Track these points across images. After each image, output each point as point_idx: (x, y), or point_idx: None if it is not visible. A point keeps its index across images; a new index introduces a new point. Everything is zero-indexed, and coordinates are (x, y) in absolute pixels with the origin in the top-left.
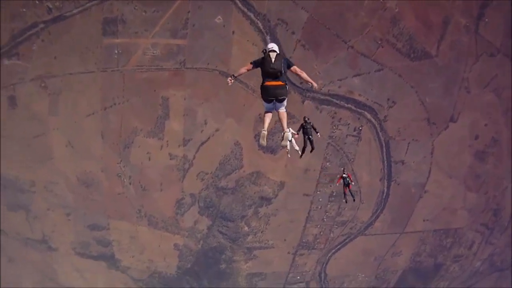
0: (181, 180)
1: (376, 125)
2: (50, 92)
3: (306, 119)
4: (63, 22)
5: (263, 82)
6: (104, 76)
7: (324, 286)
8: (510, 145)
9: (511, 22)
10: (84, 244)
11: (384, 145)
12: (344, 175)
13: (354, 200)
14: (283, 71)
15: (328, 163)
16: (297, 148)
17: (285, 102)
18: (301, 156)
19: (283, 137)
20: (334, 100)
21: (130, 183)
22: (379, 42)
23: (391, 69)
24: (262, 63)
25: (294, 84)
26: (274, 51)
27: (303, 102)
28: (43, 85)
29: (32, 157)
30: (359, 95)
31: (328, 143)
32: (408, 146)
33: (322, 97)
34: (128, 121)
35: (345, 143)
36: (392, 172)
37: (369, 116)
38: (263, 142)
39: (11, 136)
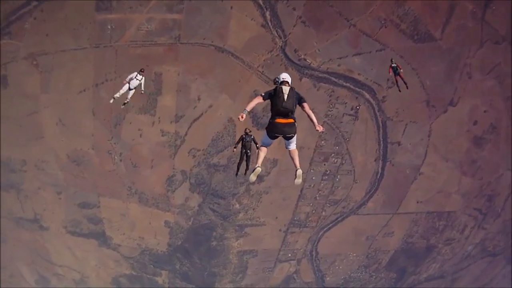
0: (172, 157)
1: (374, 105)
2: (41, 70)
3: (248, 131)
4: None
5: (272, 118)
6: (97, 52)
7: (315, 264)
8: (510, 133)
9: None
10: (75, 222)
11: (381, 125)
12: (393, 64)
13: (407, 87)
14: (294, 109)
15: (323, 142)
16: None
17: (294, 139)
18: (236, 174)
19: (296, 175)
20: (333, 78)
21: (120, 160)
22: (383, 22)
23: (393, 50)
24: (274, 96)
25: (292, 61)
26: (287, 83)
27: (300, 79)
28: (34, 63)
29: (23, 136)
30: (359, 74)
31: (324, 121)
32: (405, 127)
33: (320, 74)
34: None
35: (341, 122)
36: (387, 153)
37: (367, 95)
38: (254, 178)
39: (3, 116)
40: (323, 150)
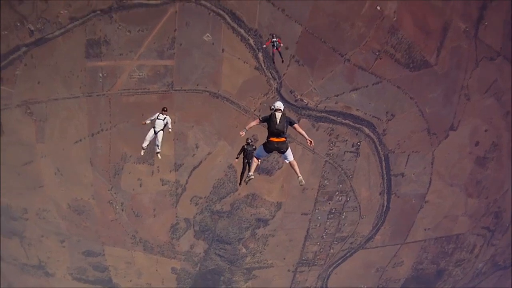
0: (174, 205)
1: (375, 139)
2: (36, 118)
3: (249, 141)
4: (45, 44)
5: (268, 138)
6: (90, 101)
7: None
8: (510, 148)
9: (511, 23)
10: (81, 269)
11: (383, 159)
12: (273, 39)
13: (282, 61)
14: (285, 130)
15: (326, 181)
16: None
17: (290, 153)
18: (240, 183)
19: (299, 181)
20: (331, 117)
21: (122, 210)
22: (377, 54)
23: (390, 81)
24: (269, 120)
25: (288, 102)
26: (280, 110)
27: (298, 120)
28: (28, 111)
29: (22, 185)
30: (357, 110)
31: (326, 161)
32: (408, 158)
33: (318, 114)
34: (116, 147)
35: (343, 160)
36: (391, 186)
37: (367, 131)
38: (245, 184)
39: (1, 164)
40: (326, 190)
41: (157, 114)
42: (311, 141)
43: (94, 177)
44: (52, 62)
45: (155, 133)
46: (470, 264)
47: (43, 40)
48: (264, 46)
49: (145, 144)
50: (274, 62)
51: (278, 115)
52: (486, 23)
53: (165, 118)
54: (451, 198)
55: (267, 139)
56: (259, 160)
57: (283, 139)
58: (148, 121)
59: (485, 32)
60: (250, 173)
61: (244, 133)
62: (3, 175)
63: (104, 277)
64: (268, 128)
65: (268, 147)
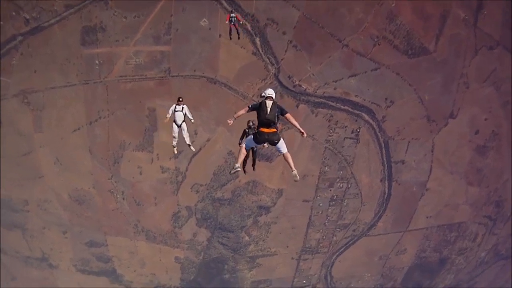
0: (175, 193)
1: (375, 126)
2: (33, 108)
3: (250, 124)
4: (41, 33)
5: (258, 128)
6: (87, 89)
7: (331, 287)
8: (510, 137)
9: (511, 12)
10: (84, 260)
11: (383, 145)
12: (232, 14)
13: (239, 38)
14: (276, 120)
15: (326, 168)
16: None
17: (283, 144)
18: (244, 172)
19: (293, 175)
20: (330, 103)
21: (123, 199)
22: (376, 40)
23: (388, 68)
24: (259, 108)
25: (287, 88)
26: (271, 98)
27: (297, 106)
28: (25, 101)
29: (22, 176)
30: (356, 96)
31: (326, 148)
32: (408, 145)
33: (317, 100)
34: (115, 135)
35: (343, 147)
36: (392, 172)
37: (366, 117)
38: (233, 172)
39: (0, 155)
40: (327, 176)
41: (174, 106)
42: (303, 133)
43: (94, 166)
44: (48, 50)
45: (178, 126)
46: (472, 253)
47: (39, 29)
48: (226, 22)
49: (174, 142)
50: (231, 38)
51: (269, 103)
52: (485, 12)
53: (182, 108)
54: (452, 186)
55: (256, 129)
56: (249, 151)
57: (274, 129)
58: (168, 117)
59: (484, 21)
60: (237, 165)
61: (232, 121)
62: (2, 167)
63: (108, 267)
64: (257, 118)
65: (258, 139)
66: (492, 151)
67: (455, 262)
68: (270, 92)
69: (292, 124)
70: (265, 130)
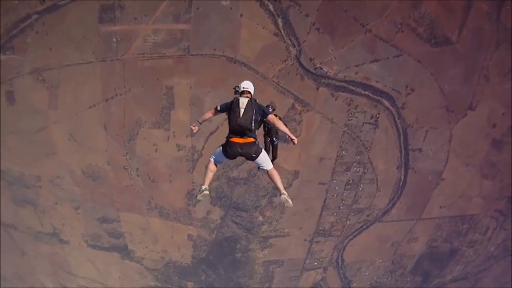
0: (190, 171)
1: (394, 112)
2: (48, 85)
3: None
4: (57, 11)
5: (228, 136)
6: (103, 66)
7: (341, 271)
8: None
9: None
10: (96, 236)
11: (401, 133)
12: None
13: None
14: (253, 127)
15: (344, 152)
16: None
17: (265, 158)
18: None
19: (283, 200)
20: (350, 87)
21: (137, 175)
22: (399, 26)
23: (410, 55)
24: (230, 110)
25: (308, 70)
26: (248, 92)
27: (317, 89)
28: (40, 78)
29: (35, 152)
30: (376, 81)
31: (344, 131)
32: (426, 134)
33: (337, 83)
34: (131, 112)
35: (362, 131)
36: (409, 160)
37: (386, 103)
38: (201, 199)
39: (13, 132)
40: (344, 160)
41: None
42: (294, 140)
43: (108, 143)
44: (65, 28)
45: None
46: (482, 246)
47: (54, 7)
48: None
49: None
50: None
51: (243, 102)
52: (508, 8)
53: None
54: (467, 177)
55: (226, 138)
56: (216, 168)
57: (251, 139)
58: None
59: (506, 16)
60: (204, 187)
61: (196, 127)
62: (16, 143)
63: (119, 243)
64: (228, 122)
65: (228, 152)
66: (508, 146)
67: (464, 254)
68: (245, 85)
69: (279, 129)
70: (238, 140)
